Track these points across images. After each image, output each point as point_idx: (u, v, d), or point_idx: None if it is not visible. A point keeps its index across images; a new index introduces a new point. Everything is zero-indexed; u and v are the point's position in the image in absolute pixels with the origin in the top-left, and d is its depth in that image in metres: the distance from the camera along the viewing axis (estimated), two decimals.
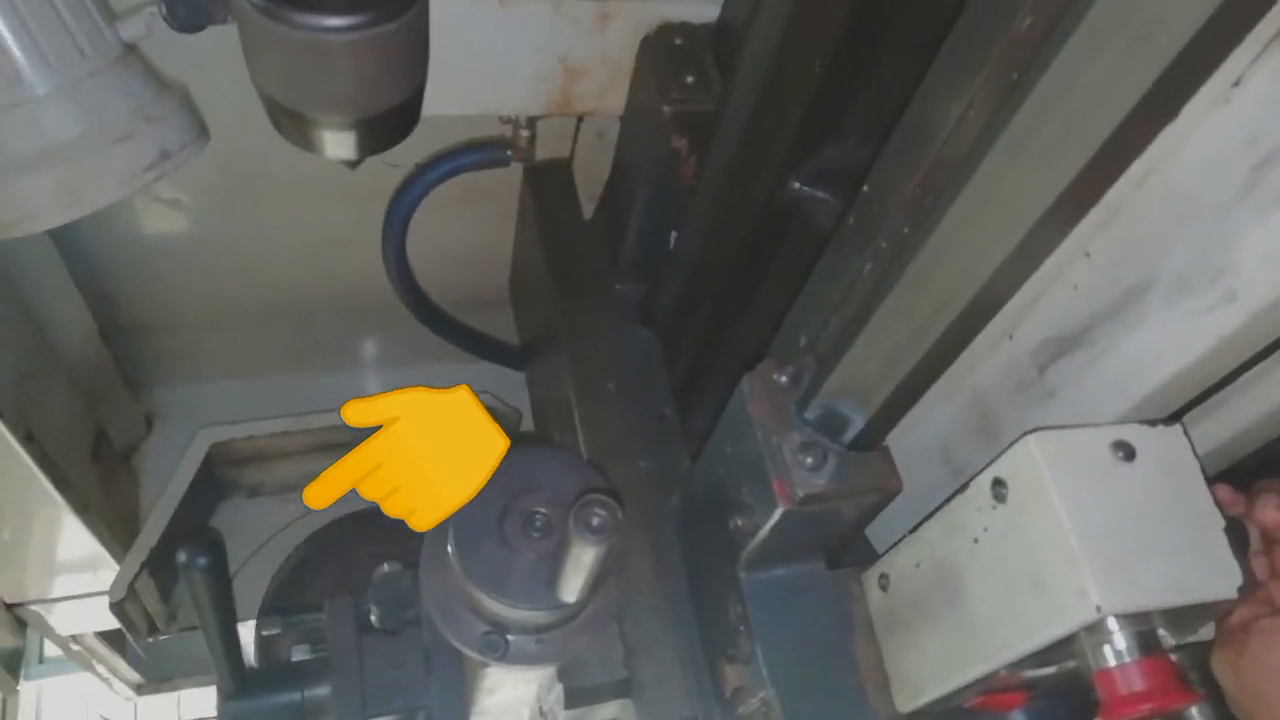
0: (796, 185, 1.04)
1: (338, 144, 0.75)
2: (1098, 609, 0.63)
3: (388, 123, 0.74)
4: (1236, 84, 0.57)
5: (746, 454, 0.84)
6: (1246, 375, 0.68)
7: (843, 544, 0.94)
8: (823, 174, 1.04)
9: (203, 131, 0.99)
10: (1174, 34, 0.49)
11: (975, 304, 0.70)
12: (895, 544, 0.88)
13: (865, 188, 0.73)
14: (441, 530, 0.89)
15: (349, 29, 0.62)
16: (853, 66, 0.93)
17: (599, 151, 1.33)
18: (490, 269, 1.61)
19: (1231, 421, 0.72)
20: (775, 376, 0.85)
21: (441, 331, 1.51)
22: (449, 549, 0.86)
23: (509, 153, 1.22)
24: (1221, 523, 0.67)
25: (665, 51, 1.01)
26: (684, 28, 1.02)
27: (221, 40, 0.84)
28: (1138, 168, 0.62)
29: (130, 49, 0.93)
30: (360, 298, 1.64)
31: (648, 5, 1.01)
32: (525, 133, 1.18)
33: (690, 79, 0.99)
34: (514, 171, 1.33)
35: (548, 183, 1.30)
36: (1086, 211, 0.63)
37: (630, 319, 1.24)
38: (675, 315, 1.20)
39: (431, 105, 1.05)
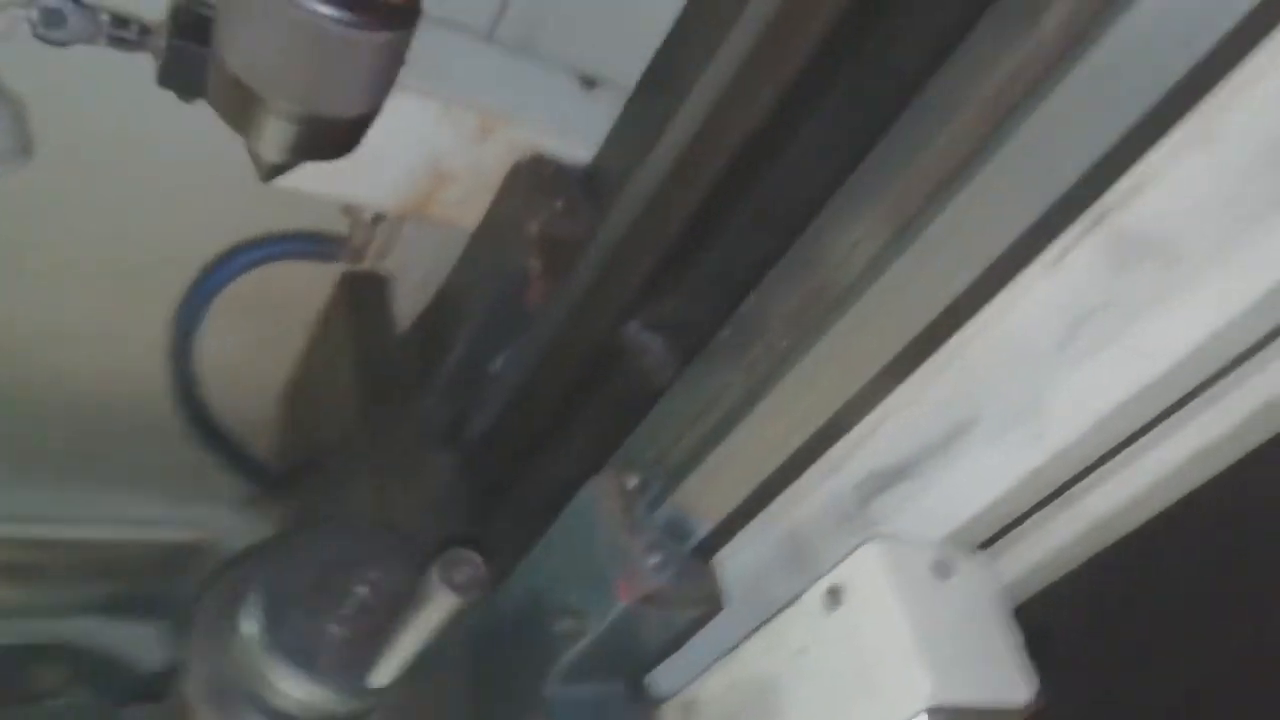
0: (633, 328, 1.11)
1: (275, 136, 0.72)
2: (929, 697, 0.68)
3: (331, 131, 0.73)
4: (1064, 254, 0.72)
5: (587, 551, 0.83)
6: (1040, 513, 0.80)
7: (647, 670, 0.93)
8: (658, 322, 1.11)
9: (25, 150, 0.92)
10: (1049, 187, 0.63)
11: (828, 427, 0.78)
12: (699, 674, 0.89)
13: (751, 299, 0.80)
14: (219, 606, 0.78)
15: (347, 24, 0.64)
16: (710, 228, 1.04)
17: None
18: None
19: (1026, 557, 0.83)
20: (622, 480, 0.87)
21: (210, 442, 1.36)
22: (249, 620, 0.75)
23: (339, 250, 1.20)
24: (1020, 639, 0.76)
25: (537, 175, 1.07)
26: (556, 162, 1.09)
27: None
28: (981, 315, 0.75)
29: None
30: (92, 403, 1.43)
31: (527, 132, 1.07)
32: (365, 230, 1.17)
33: (559, 204, 1.04)
34: (306, 277, 1.29)
35: (366, 290, 1.28)
36: (942, 344, 0.74)
37: (434, 441, 1.20)
38: (484, 441, 1.18)
39: (285, 178, 1.02)
